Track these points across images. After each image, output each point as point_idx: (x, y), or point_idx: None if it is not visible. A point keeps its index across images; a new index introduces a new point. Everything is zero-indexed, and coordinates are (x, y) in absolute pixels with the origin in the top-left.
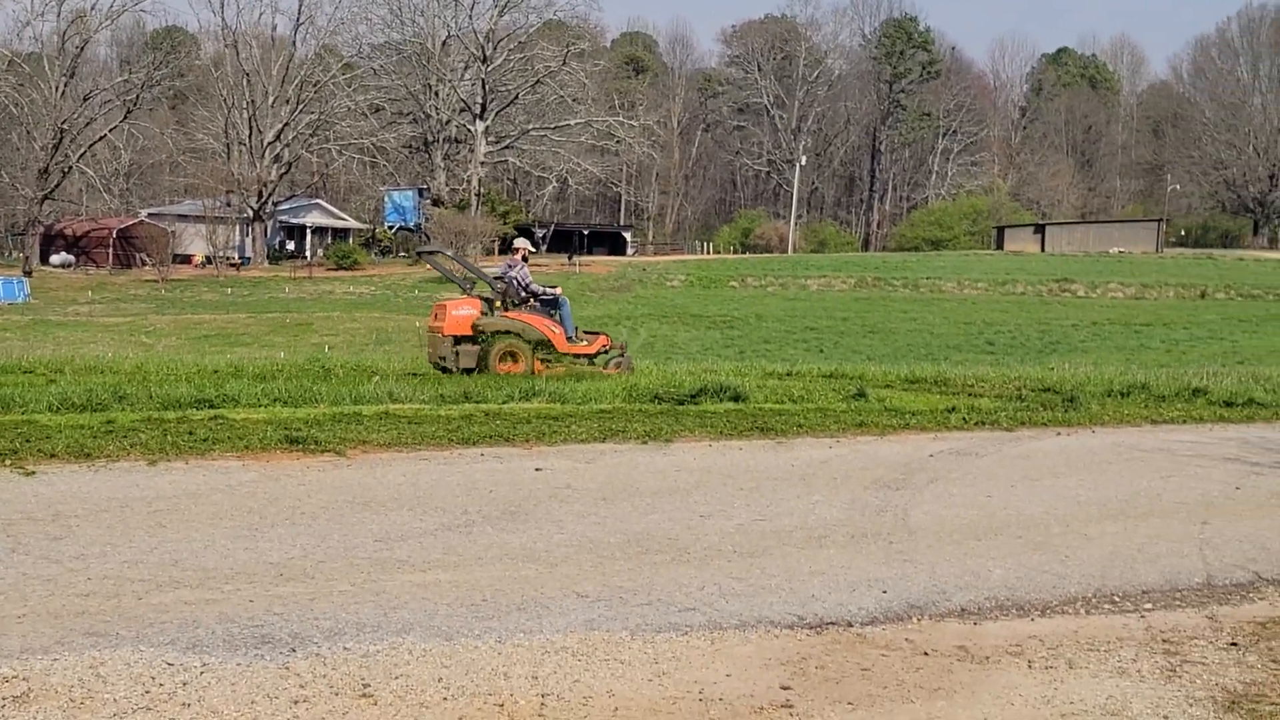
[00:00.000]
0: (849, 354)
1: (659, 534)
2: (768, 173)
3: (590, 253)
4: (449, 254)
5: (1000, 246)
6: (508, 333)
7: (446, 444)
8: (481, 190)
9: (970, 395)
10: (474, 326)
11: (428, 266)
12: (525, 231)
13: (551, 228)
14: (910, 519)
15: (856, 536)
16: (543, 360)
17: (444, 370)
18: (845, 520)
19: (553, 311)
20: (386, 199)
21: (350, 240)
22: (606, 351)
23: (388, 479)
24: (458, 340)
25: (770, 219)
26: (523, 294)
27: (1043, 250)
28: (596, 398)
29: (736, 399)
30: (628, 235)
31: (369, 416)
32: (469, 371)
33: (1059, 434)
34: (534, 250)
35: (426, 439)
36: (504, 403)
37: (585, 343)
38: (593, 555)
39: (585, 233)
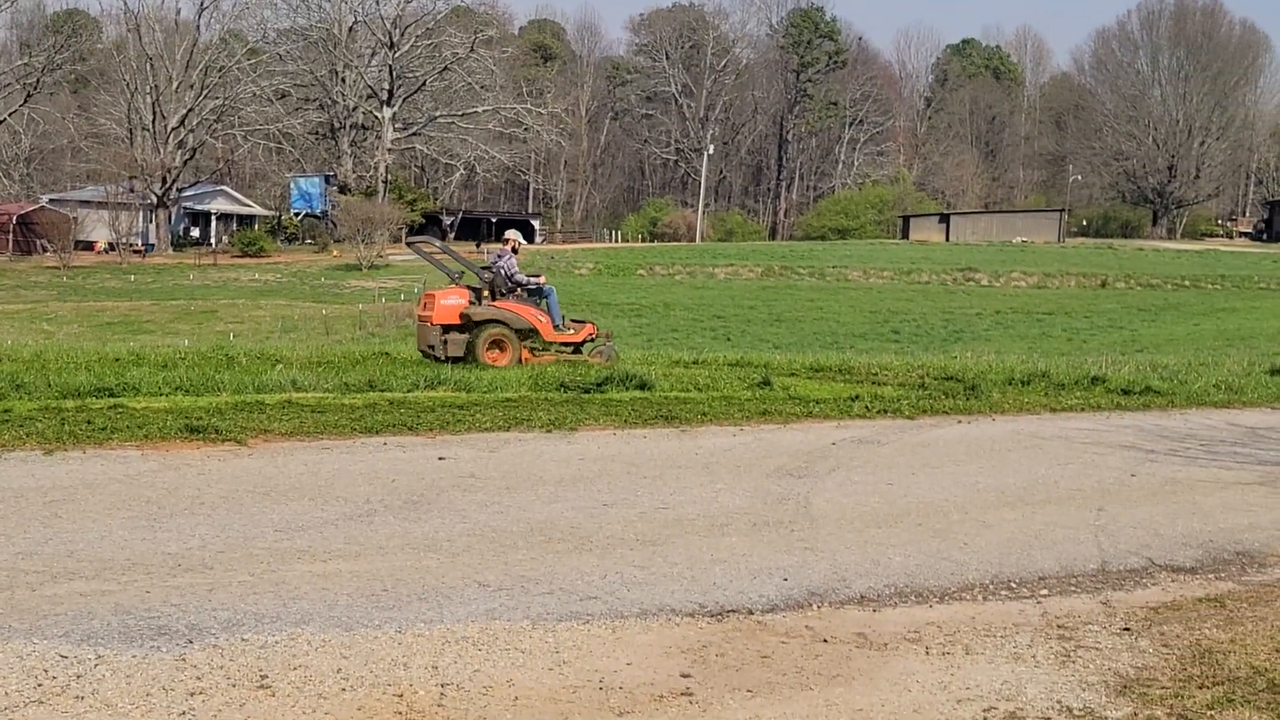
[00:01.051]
0: (755, 342)
1: (562, 523)
2: (676, 161)
3: (499, 240)
4: (438, 244)
5: (906, 236)
6: (495, 322)
7: (349, 433)
8: (389, 177)
9: (874, 384)
10: (462, 316)
11: (335, 254)
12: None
13: (459, 215)
14: (812, 507)
15: (759, 524)
16: (531, 349)
17: (432, 359)
18: (748, 508)
19: (539, 301)
20: (293, 185)
21: (256, 227)
22: (593, 340)
23: (289, 468)
24: (446, 329)
25: (678, 207)
26: (509, 284)
27: (947, 239)
28: (502, 386)
29: (642, 387)
30: (536, 223)
31: (271, 405)
32: (457, 360)
33: (960, 422)
34: (524, 242)
35: (329, 428)
36: (409, 391)
37: (572, 331)
38: (495, 544)
39: (494, 220)
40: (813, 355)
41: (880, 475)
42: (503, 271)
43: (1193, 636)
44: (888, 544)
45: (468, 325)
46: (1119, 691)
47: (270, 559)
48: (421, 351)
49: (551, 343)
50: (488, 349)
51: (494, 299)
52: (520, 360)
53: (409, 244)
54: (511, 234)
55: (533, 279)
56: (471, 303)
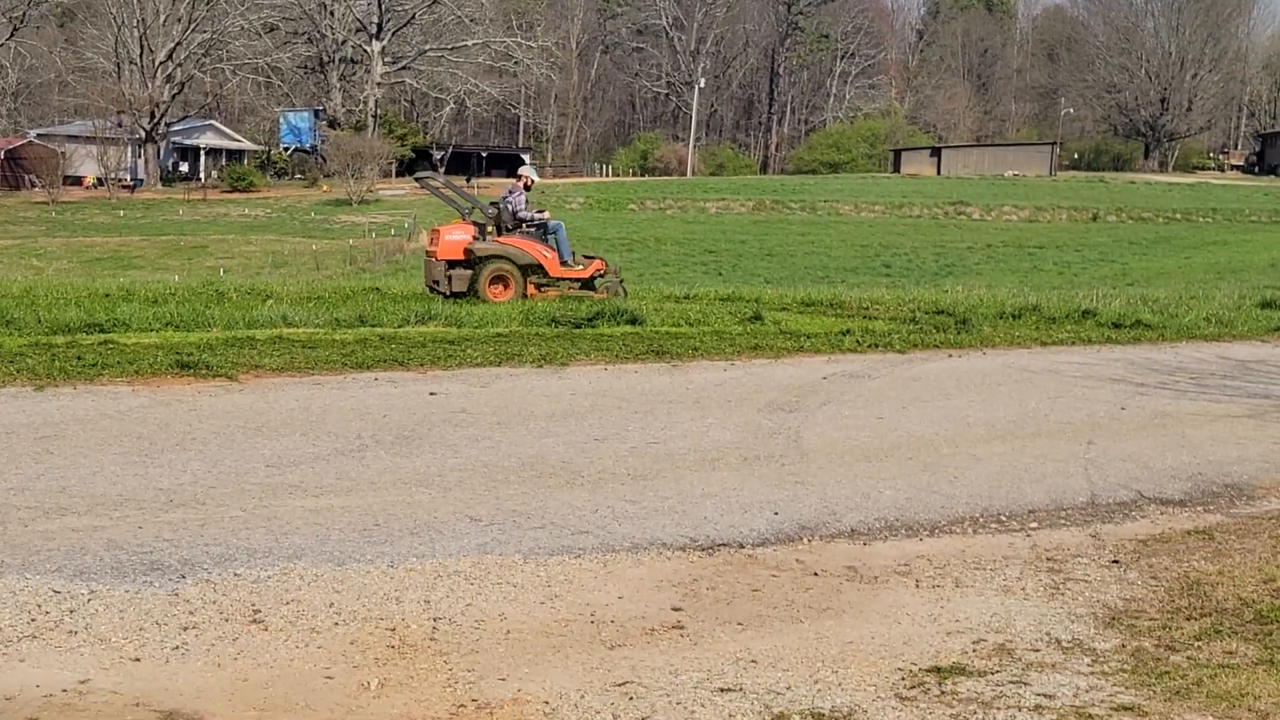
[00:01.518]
0: (746, 277)
1: (553, 458)
2: (667, 95)
3: (489, 175)
4: (442, 180)
5: (897, 169)
6: (499, 257)
7: (340, 369)
8: (378, 112)
9: (865, 318)
10: (466, 251)
11: (325, 189)
12: (503, 161)
13: (449, 149)
14: (803, 441)
15: (749, 459)
16: (537, 285)
17: (438, 294)
18: (738, 443)
19: (547, 237)
20: (282, 120)
21: (245, 162)
22: (602, 275)
23: (280, 404)
24: (451, 265)
25: (669, 142)
26: (514, 220)
27: (939, 173)
28: (493, 321)
29: (633, 322)
30: (526, 158)
31: (262, 341)
32: (460, 295)
33: (950, 356)
34: (535, 178)
35: (320, 363)
36: (399, 326)
37: (580, 267)
38: (486, 479)
39: (484, 155)
40: (804, 290)
41: (871, 409)
42: (510, 207)
43: (1181, 569)
44: (878, 478)
45: (472, 260)
46: (1107, 623)
47: (262, 494)
48: (428, 286)
49: (558, 278)
50: (490, 284)
51: (500, 235)
52: (525, 295)
53: (417, 179)
54: (524, 170)
55: (538, 215)
56: (476, 238)
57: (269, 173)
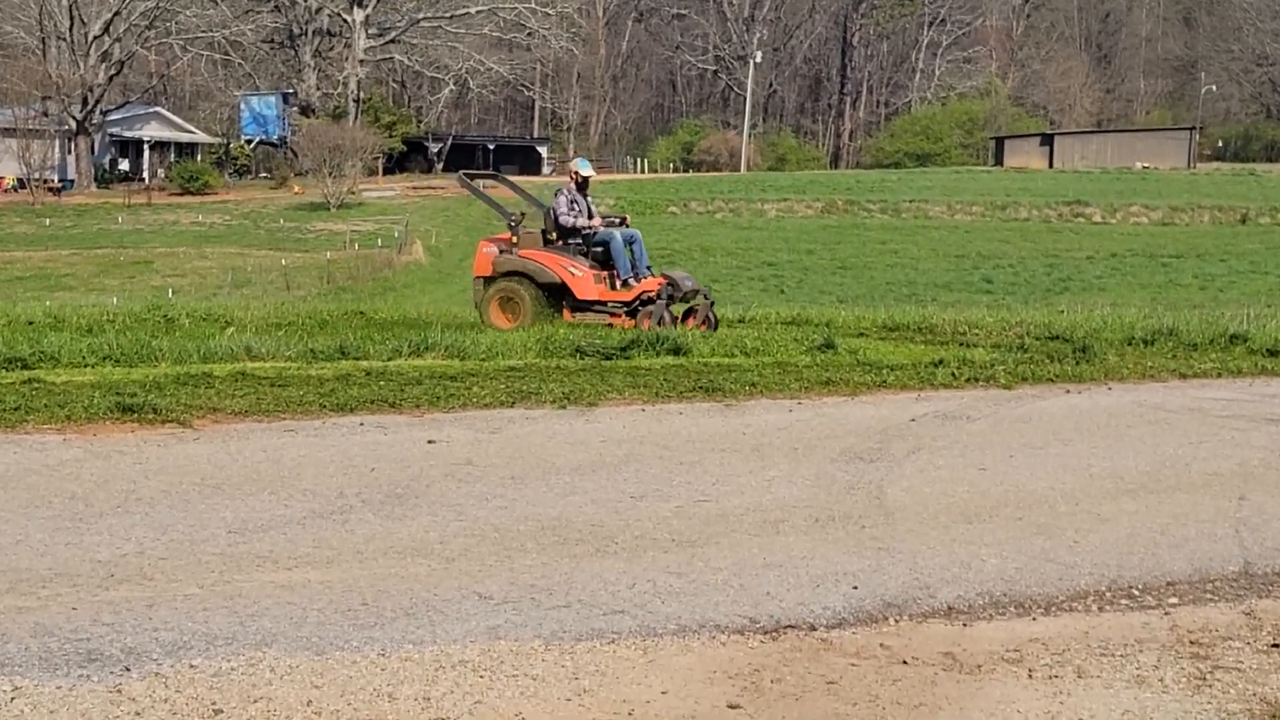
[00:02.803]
0: (815, 295)
1: (580, 520)
2: (715, 72)
3: (498, 171)
4: (503, 178)
5: (1000, 161)
6: (513, 274)
7: (317, 411)
8: (361, 95)
9: (961, 345)
10: (492, 266)
11: (297, 190)
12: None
13: (449, 141)
14: (887, 498)
15: (821, 520)
16: (572, 308)
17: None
18: (808, 500)
19: (596, 249)
20: (243, 106)
21: (199, 158)
22: (650, 300)
23: (244, 455)
24: (486, 282)
25: (718, 129)
26: (555, 228)
27: (1051, 166)
28: (504, 352)
29: (676, 352)
30: (543, 150)
31: (222, 378)
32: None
33: (1068, 391)
34: (587, 172)
35: (293, 405)
36: (389, 359)
37: (628, 288)
38: (498, 547)
39: (491, 147)
40: (886, 310)
41: (970, 458)
42: (551, 212)
43: None
44: (980, 543)
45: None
46: None
47: (223, 567)
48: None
49: (588, 302)
50: (497, 307)
51: (546, 245)
52: (530, 322)
53: (462, 181)
54: (574, 164)
55: (584, 222)
56: (503, 251)
57: (228, 171)
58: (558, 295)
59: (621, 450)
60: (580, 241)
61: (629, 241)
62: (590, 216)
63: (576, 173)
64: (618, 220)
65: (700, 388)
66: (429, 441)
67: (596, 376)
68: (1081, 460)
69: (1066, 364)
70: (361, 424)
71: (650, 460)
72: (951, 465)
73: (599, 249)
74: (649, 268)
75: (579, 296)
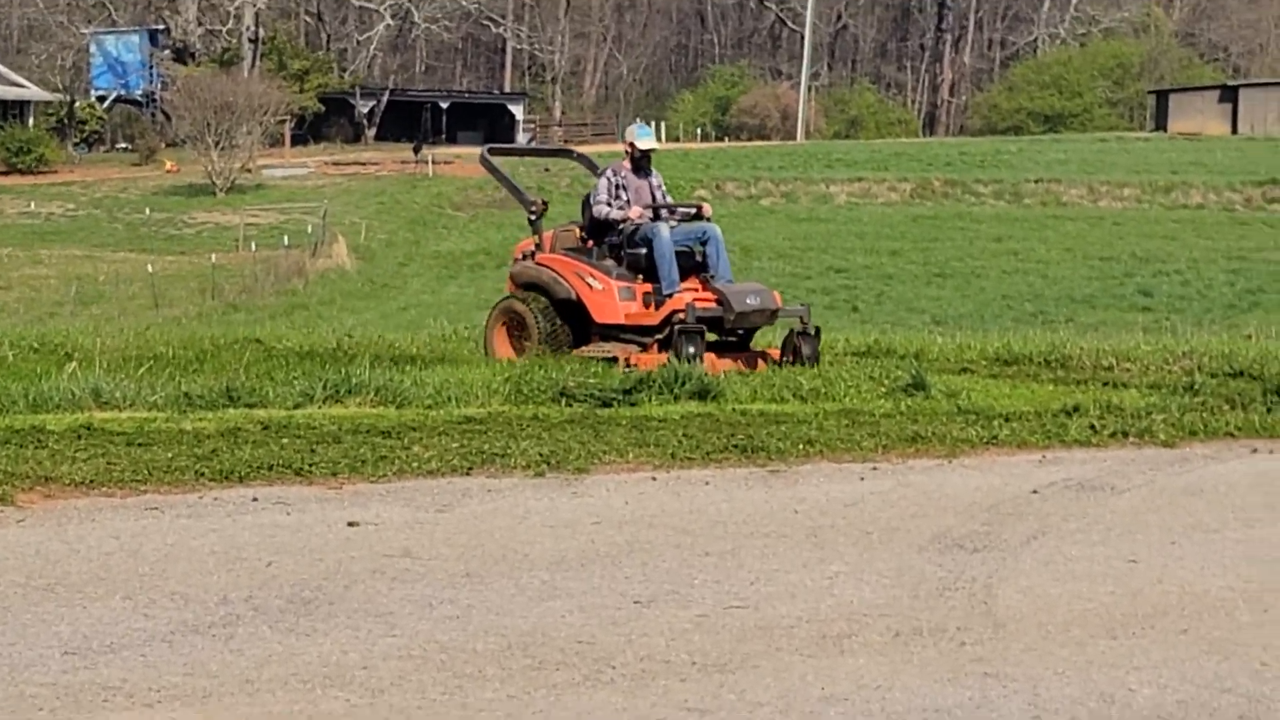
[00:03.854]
0: (900, 314)
1: (562, 635)
2: (760, 3)
3: (453, 141)
4: (579, 155)
5: (1162, 125)
6: (529, 286)
7: (193, 481)
8: (261, 33)
9: (1106, 385)
10: (511, 278)
11: (170, 166)
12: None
13: (384, 98)
14: (996, 602)
15: (904, 634)
16: (602, 335)
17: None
18: (885, 606)
19: (634, 251)
20: (94, 49)
21: (32, 122)
22: (677, 321)
23: (89, 544)
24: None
25: (765, 81)
26: (591, 223)
27: (1234, 131)
28: (460, 396)
29: (702, 395)
30: (518, 110)
31: (58, 435)
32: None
33: (1255, 451)
34: (643, 149)
35: (158, 473)
36: (296, 406)
37: (655, 308)
38: (446, 674)
39: (444, 106)
40: (1000, 336)
41: (1115, 546)
42: (586, 200)
43: None
44: (1129, 666)
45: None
46: None
47: (56, 703)
48: None
49: (614, 326)
50: (498, 333)
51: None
52: (538, 353)
53: (485, 163)
54: (629, 131)
55: (619, 213)
56: (526, 255)
57: (72, 140)
58: (579, 316)
59: (622, 536)
60: (617, 240)
61: (700, 241)
62: (639, 205)
63: (632, 145)
64: (692, 211)
65: (735, 446)
66: (350, 524)
67: (589, 431)
68: (1275, 549)
69: (1254, 412)
70: (255, 499)
71: (663, 550)
72: (1089, 556)
73: (639, 251)
74: (729, 279)
75: (596, 318)
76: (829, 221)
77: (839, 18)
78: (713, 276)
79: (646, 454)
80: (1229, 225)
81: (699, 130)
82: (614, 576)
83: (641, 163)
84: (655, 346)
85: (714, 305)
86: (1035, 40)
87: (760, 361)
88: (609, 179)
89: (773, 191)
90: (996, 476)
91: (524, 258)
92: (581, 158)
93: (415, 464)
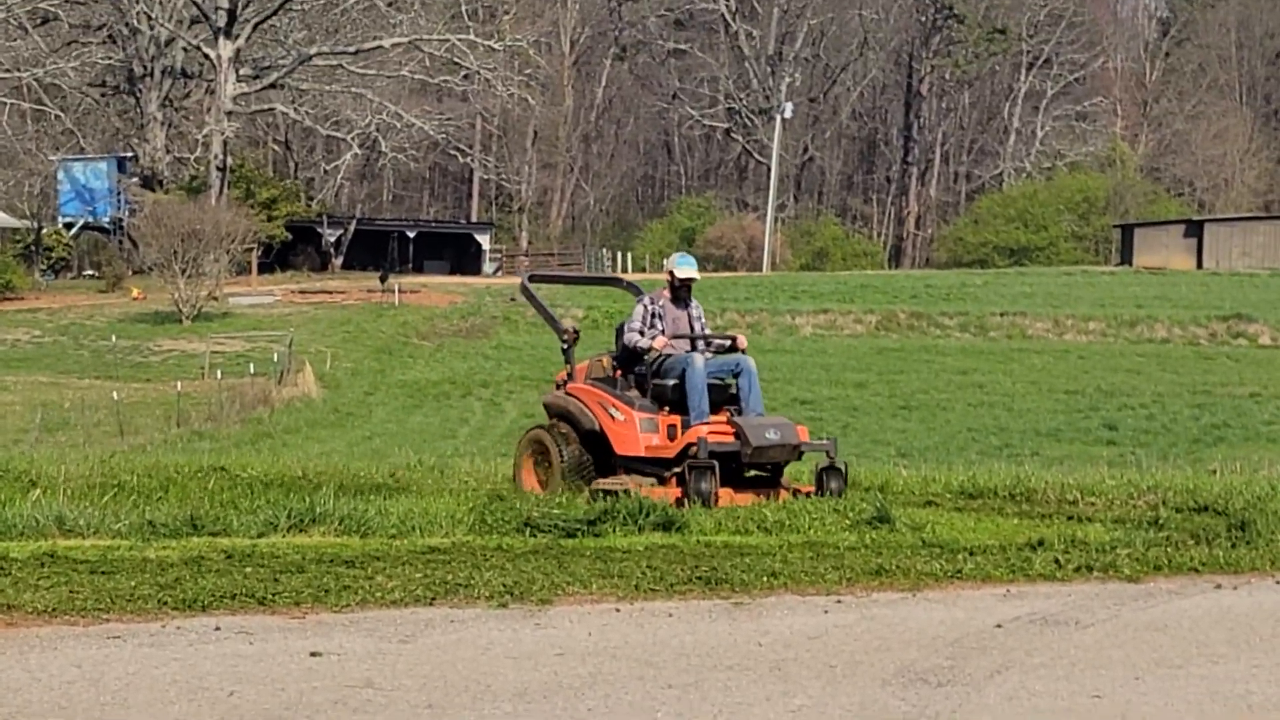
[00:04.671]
0: (866, 445)
1: None
2: (727, 132)
3: (420, 270)
4: (628, 284)
5: (1127, 259)
6: (559, 415)
7: (156, 610)
8: (229, 162)
9: (1071, 519)
10: (546, 407)
11: (136, 294)
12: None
13: (351, 226)
14: None
15: None
16: (625, 467)
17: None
18: None
19: (664, 383)
20: (62, 176)
21: None
22: (693, 457)
23: (49, 674)
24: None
25: (731, 212)
26: (622, 353)
27: (1200, 266)
28: (424, 526)
29: (666, 527)
30: (485, 239)
31: (21, 562)
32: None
33: (1219, 587)
34: (683, 279)
35: (121, 601)
36: (260, 535)
37: (682, 441)
38: None
39: (411, 235)
40: (965, 469)
41: (1080, 681)
42: (623, 328)
43: None
44: None
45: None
46: None
47: None
48: None
49: (635, 459)
50: (526, 462)
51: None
52: (561, 483)
53: (525, 291)
54: (669, 260)
55: (646, 345)
56: (559, 385)
57: (38, 267)
58: (604, 448)
59: (586, 668)
60: (644, 371)
61: (733, 373)
62: (675, 335)
63: (671, 274)
64: (727, 343)
65: (699, 578)
66: (312, 654)
67: (552, 562)
68: (1238, 685)
69: (1218, 547)
70: (218, 628)
71: (626, 682)
72: (1053, 692)
73: (666, 382)
74: (760, 413)
75: (617, 450)
76: (794, 353)
77: (805, 150)
78: (739, 410)
79: (610, 585)
80: (1194, 359)
81: (664, 261)
82: (577, 709)
83: (680, 292)
84: (674, 480)
85: (731, 439)
86: (1001, 174)
87: (785, 494)
88: (645, 306)
89: (738, 321)
90: (961, 610)
91: (558, 386)
92: (631, 286)
93: (379, 594)
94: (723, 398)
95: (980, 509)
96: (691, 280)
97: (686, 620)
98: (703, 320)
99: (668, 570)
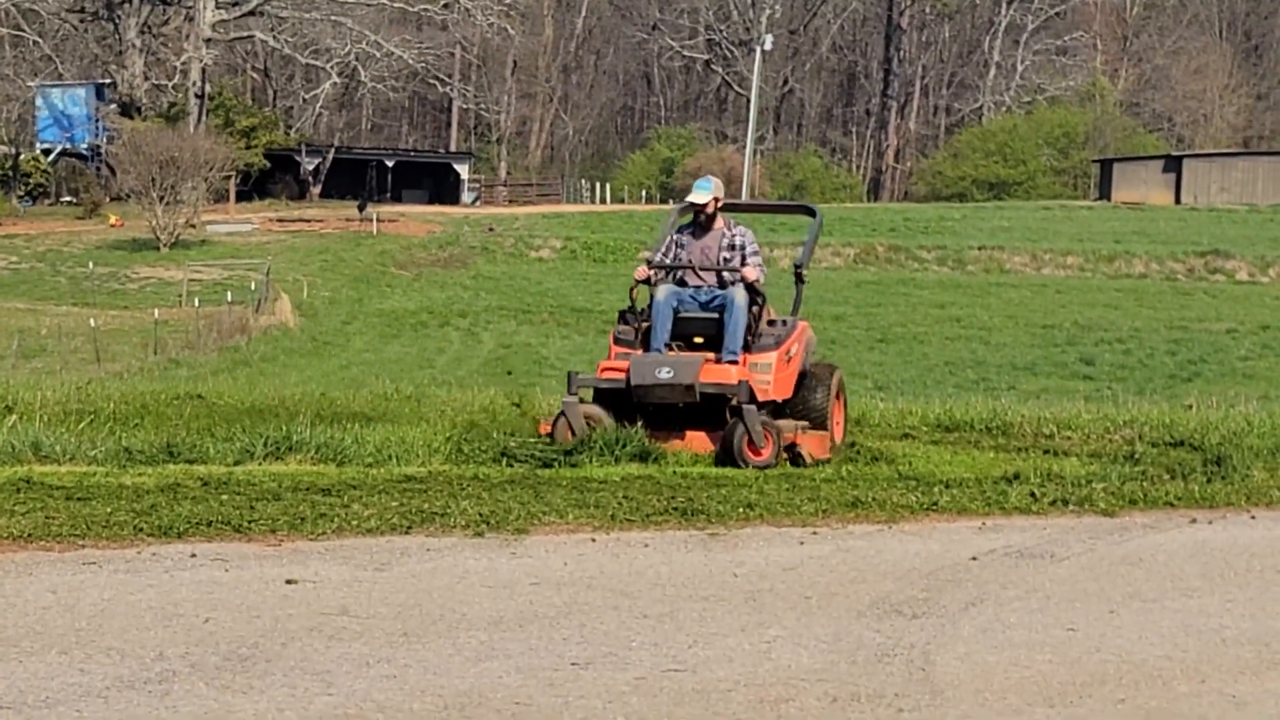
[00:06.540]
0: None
1: (499, 696)
2: (707, 63)
3: (398, 199)
4: (786, 203)
5: (1106, 195)
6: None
7: (131, 536)
8: (208, 89)
9: (1047, 453)
10: None
11: (114, 220)
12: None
13: (329, 155)
14: (935, 669)
15: (841, 700)
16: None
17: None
18: (823, 671)
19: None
20: (40, 102)
21: None
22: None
23: (25, 598)
24: None
25: (711, 144)
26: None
27: (1178, 201)
28: (400, 455)
29: (644, 458)
30: (463, 169)
31: None
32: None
33: (1194, 521)
34: (695, 204)
35: (96, 527)
36: (236, 463)
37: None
38: None
39: (390, 164)
40: (941, 402)
41: (1054, 614)
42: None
43: None
44: None
45: None
46: None
47: None
48: None
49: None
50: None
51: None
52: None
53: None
54: (697, 190)
55: (640, 274)
56: None
57: (16, 193)
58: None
59: (561, 597)
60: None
61: (715, 307)
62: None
63: (696, 203)
64: (733, 275)
65: (674, 509)
66: (288, 581)
67: (529, 491)
68: (1211, 619)
69: (1194, 482)
70: (194, 555)
71: (601, 612)
72: (1028, 624)
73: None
74: (734, 352)
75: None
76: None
77: (785, 82)
78: (734, 350)
79: (586, 515)
80: (1171, 295)
81: (644, 192)
82: (552, 638)
83: (700, 218)
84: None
85: (621, 376)
86: (980, 108)
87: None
88: (671, 237)
89: None
90: (936, 543)
91: None
92: (808, 210)
93: (355, 522)
94: (716, 333)
95: (957, 442)
96: (704, 205)
97: (662, 551)
98: (747, 248)
99: (644, 501)
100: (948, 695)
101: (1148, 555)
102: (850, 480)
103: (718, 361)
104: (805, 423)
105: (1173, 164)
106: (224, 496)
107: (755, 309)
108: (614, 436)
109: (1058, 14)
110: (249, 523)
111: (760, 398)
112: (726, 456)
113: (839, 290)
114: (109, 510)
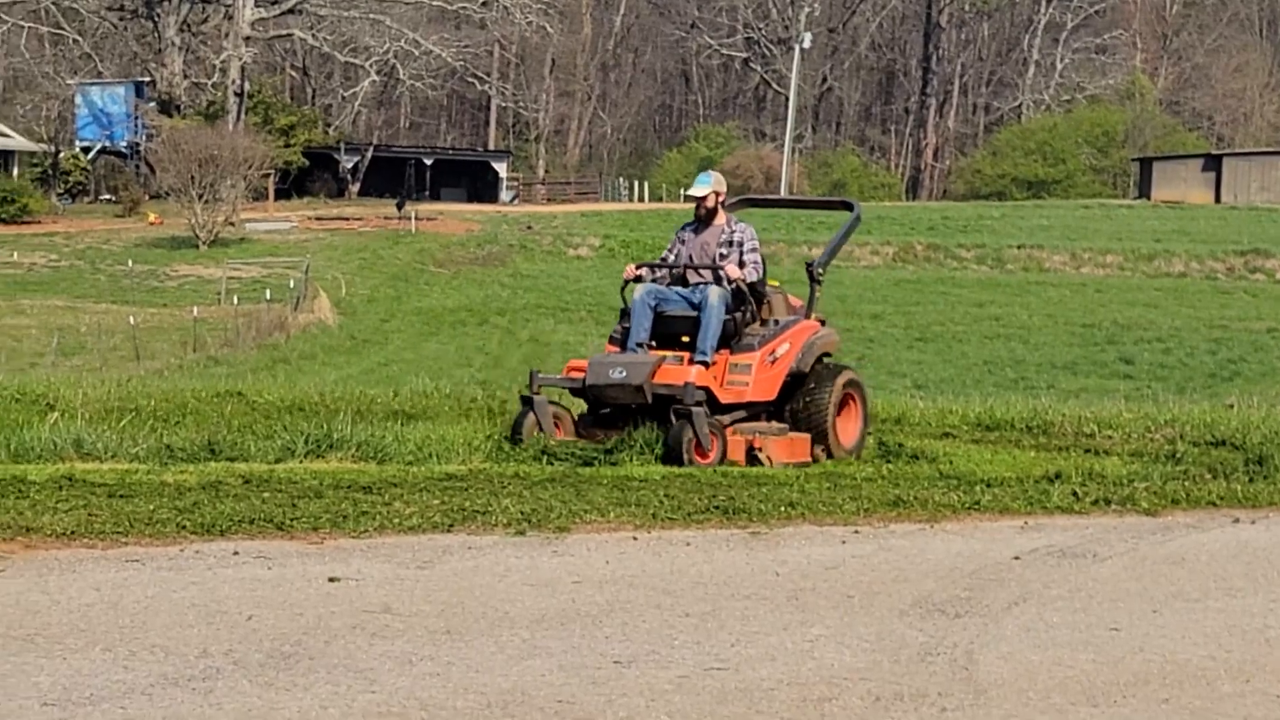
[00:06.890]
0: (882, 378)
1: (542, 694)
2: (745, 62)
3: (437, 197)
4: (825, 199)
5: (1145, 193)
6: None
7: (174, 534)
8: (247, 87)
9: (1088, 452)
10: None
11: (153, 218)
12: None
13: (368, 153)
14: (978, 669)
15: (885, 699)
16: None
17: None
18: (865, 670)
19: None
20: (80, 100)
21: (16, 172)
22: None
23: (69, 595)
24: None
25: (749, 142)
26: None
27: (1218, 200)
28: (441, 453)
29: None
30: (502, 168)
31: (40, 485)
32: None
33: (1237, 521)
34: (693, 196)
35: (139, 525)
36: (277, 461)
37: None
38: None
39: (428, 163)
40: (981, 401)
41: (1097, 614)
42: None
43: None
44: None
45: None
46: None
47: None
48: None
49: None
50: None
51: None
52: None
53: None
54: (697, 184)
55: (648, 270)
56: None
57: (56, 191)
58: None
59: (603, 596)
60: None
61: (694, 306)
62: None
63: (699, 197)
64: (720, 273)
65: (716, 508)
66: (331, 579)
67: (570, 490)
68: (1256, 619)
69: (1236, 481)
70: (236, 553)
71: (643, 610)
72: (1070, 623)
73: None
74: (704, 352)
75: None
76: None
77: (824, 80)
78: (705, 351)
79: (628, 513)
80: (1211, 294)
81: (682, 191)
82: (594, 636)
83: (700, 215)
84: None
85: (579, 375)
86: (1020, 106)
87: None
88: (677, 234)
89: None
90: (978, 542)
91: None
92: (848, 205)
93: (396, 520)
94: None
95: (997, 441)
96: (699, 198)
97: (704, 549)
98: (745, 245)
99: (685, 499)
100: (991, 695)
101: (1191, 555)
102: (891, 479)
103: (691, 361)
104: (782, 425)
105: (1212, 163)
106: (266, 494)
107: (744, 308)
108: (655, 435)
109: (1097, 12)
110: (291, 520)
111: (736, 399)
112: (671, 457)
113: (877, 289)
114: (151, 508)
